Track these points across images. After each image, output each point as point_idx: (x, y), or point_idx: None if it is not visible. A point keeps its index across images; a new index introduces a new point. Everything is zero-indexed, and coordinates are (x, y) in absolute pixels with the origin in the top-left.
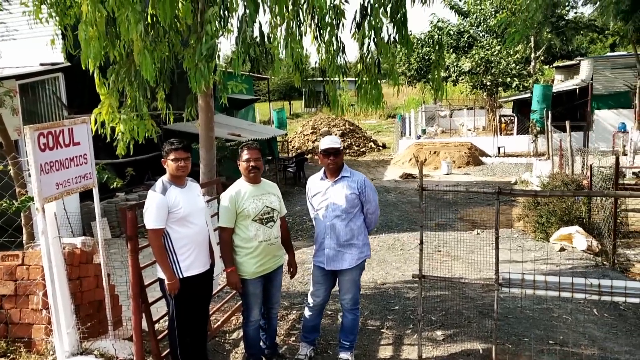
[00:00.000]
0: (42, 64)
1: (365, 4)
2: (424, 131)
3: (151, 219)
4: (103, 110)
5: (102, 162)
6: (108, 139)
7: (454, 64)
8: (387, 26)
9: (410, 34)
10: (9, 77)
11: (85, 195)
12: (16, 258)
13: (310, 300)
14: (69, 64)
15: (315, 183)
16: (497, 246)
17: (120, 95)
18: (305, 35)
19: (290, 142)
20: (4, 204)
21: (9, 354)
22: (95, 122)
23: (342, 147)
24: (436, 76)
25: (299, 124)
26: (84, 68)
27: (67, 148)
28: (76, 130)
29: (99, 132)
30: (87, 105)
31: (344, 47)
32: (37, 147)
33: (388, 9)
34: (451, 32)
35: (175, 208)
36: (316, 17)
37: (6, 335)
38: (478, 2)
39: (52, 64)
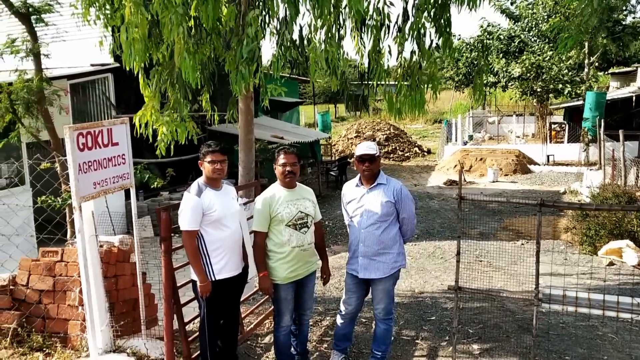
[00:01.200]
0: (92, 65)
1: (408, 8)
2: (470, 137)
3: (185, 221)
4: (147, 112)
5: (145, 161)
6: (150, 140)
7: (504, 69)
8: (429, 31)
9: (459, 38)
10: (61, 77)
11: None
12: (55, 254)
13: (342, 308)
14: (117, 64)
15: (351, 189)
16: (538, 260)
17: (162, 96)
18: (344, 39)
19: (334, 145)
20: (48, 201)
21: (44, 349)
22: (141, 125)
23: (378, 154)
24: (479, 81)
25: (344, 127)
26: (126, 69)
27: (105, 148)
28: (115, 131)
29: (142, 133)
30: (134, 106)
31: (389, 51)
32: (75, 146)
33: (432, 13)
34: (501, 37)
35: (210, 210)
36: (357, 20)
37: (43, 330)
38: (530, 6)
39: (102, 65)
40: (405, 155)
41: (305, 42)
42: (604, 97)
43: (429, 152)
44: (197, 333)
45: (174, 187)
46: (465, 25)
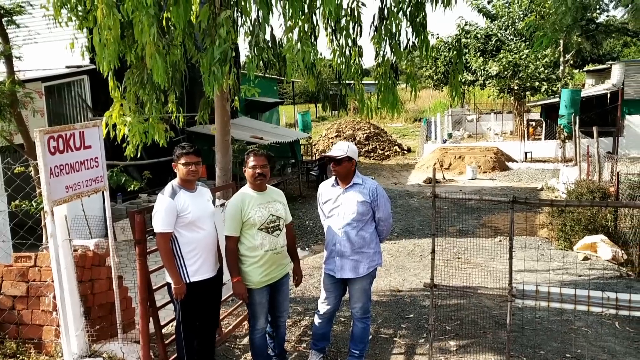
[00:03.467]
0: (67, 67)
1: (384, 7)
2: (450, 135)
3: (159, 223)
4: (114, 113)
5: (122, 164)
6: (118, 142)
7: (482, 67)
8: (405, 30)
9: (438, 37)
10: (35, 79)
11: (110, 196)
12: (29, 259)
13: (320, 308)
14: (93, 66)
15: (327, 189)
16: (511, 256)
17: (136, 98)
18: (317, 39)
19: (315, 145)
20: (23, 205)
21: (18, 355)
22: (107, 125)
23: (345, 156)
24: (454, 80)
25: (325, 127)
26: (100, 71)
27: (77, 151)
28: (87, 134)
29: (110, 135)
30: None
31: (360, 51)
32: (46, 150)
33: (407, 13)
34: (479, 36)
35: (184, 212)
36: (331, 21)
37: (17, 337)
38: (507, 5)
39: (78, 67)
40: (386, 154)
41: (280, 42)
42: (579, 94)
43: (409, 150)
44: (174, 336)
45: (153, 190)
46: (444, 24)
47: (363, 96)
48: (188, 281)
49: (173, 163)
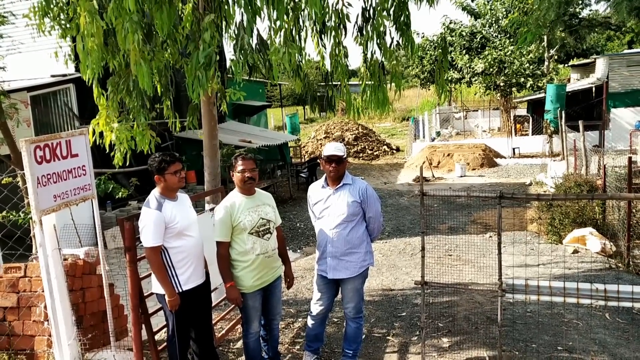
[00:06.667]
0: (53, 76)
1: (368, 7)
2: (438, 133)
3: (149, 237)
4: (100, 121)
5: (110, 171)
6: (107, 150)
7: (467, 65)
8: (389, 29)
9: (423, 37)
10: (20, 89)
11: (100, 204)
12: (18, 270)
13: (313, 309)
14: (79, 74)
15: (317, 190)
16: (500, 251)
17: (120, 105)
18: (305, 41)
19: (304, 147)
20: (11, 216)
21: None
22: (94, 133)
23: (345, 156)
24: (439, 78)
25: (313, 128)
26: (85, 79)
27: (64, 160)
28: (74, 142)
29: (98, 143)
30: None
31: (346, 52)
32: (33, 159)
33: (391, 12)
34: (463, 33)
35: (172, 223)
36: (317, 22)
37: (8, 348)
38: (489, 3)
39: (63, 75)
40: (375, 154)
41: (266, 45)
42: (564, 89)
43: (397, 149)
44: (165, 344)
45: (143, 196)
46: (429, 23)
47: (350, 97)
48: (180, 290)
49: (157, 176)
